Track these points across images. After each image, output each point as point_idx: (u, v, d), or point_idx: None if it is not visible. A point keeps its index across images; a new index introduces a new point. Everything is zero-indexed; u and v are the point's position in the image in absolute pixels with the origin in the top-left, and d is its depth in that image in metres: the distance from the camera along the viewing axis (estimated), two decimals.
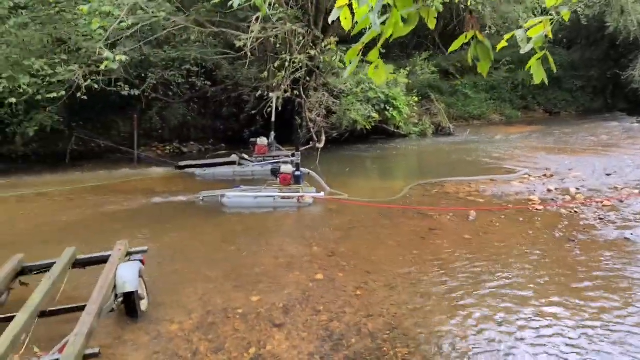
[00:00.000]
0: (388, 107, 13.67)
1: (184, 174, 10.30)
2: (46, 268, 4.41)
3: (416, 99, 15.26)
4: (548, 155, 11.48)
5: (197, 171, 10.16)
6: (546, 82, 2.60)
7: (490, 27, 15.60)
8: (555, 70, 2.69)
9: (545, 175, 9.06)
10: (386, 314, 4.06)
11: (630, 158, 10.58)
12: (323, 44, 10.52)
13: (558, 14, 2.37)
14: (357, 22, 2.14)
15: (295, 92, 11.13)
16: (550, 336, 3.64)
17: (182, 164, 10.69)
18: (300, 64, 10.32)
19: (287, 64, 9.99)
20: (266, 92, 11.33)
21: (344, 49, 11.18)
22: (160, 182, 9.80)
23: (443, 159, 11.98)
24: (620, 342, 3.53)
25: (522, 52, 2.51)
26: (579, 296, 4.25)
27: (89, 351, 3.08)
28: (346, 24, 2.21)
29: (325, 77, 12.81)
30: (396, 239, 5.90)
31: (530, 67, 2.55)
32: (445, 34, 20.99)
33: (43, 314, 3.76)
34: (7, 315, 3.73)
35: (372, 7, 1.99)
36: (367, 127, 13.11)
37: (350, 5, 2.15)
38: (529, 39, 2.31)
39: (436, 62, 18.63)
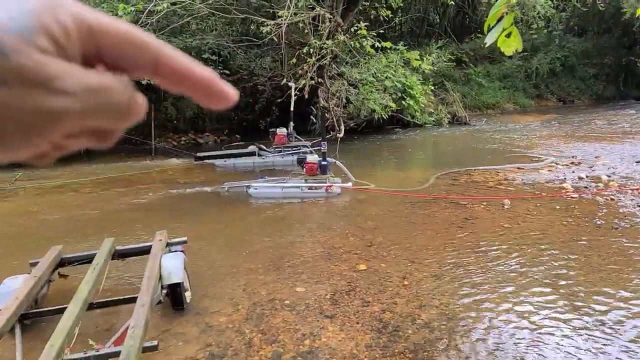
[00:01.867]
0: (405, 96, 13.52)
1: (203, 165, 10.20)
2: (86, 259, 4.33)
3: (432, 87, 15.10)
4: (570, 143, 11.33)
5: (217, 162, 10.05)
6: (519, 48, 2.23)
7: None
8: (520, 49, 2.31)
9: (572, 162, 8.93)
10: (438, 304, 3.96)
11: None
12: (352, 29, 10.35)
13: None
14: None
15: (319, 80, 10.98)
16: (617, 327, 3.53)
17: (201, 154, 10.58)
18: (328, 50, 10.15)
19: (312, 50, 9.83)
20: (288, 80, 11.16)
21: (374, 34, 11.05)
22: (181, 173, 9.70)
23: (463, 148, 11.83)
24: None
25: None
26: (635, 285, 4.14)
27: (147, 344, 2.99)
28: None
29: (340, 66, 12.68)
30: (433, 228, 5.79)
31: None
32: (456, 22, 20.81)
33: (91, 306, 3.67)
34: (56, 307, 3.65)
35: None
36: (385, 117, 12.98)
37: None
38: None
39: (449, 51, 18.40)
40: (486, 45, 2.06)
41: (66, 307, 3.34)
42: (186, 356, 3.37)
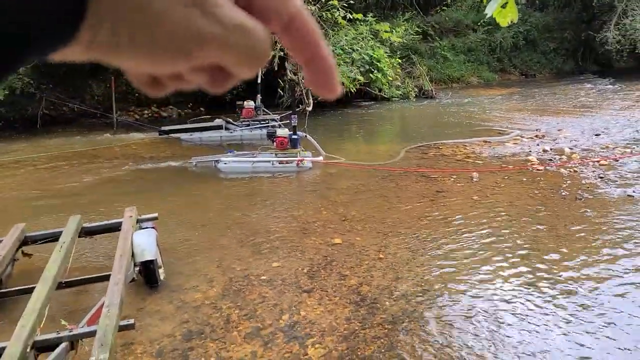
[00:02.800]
0: (372, 69, 13.46)
1: (168, 139, 9.93)
2: (51, 238, 4.17)
3: (399, 61, 15.09)
4: (533, 116, 11.57)
5: (183, 136, 9.80)
6: (515, 18, 2.27)
7: None
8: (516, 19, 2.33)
9: (537, 136, 9.12)
10: (414, 277, 4.00)
11: (613, 118, 10.76)
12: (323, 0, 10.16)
13: None
14: None
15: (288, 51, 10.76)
16: (583, 291, 3.65)
17: (166, 128, 10.29)
18: None
19: None
20: None
21: (346, 5, 10.87)
22: (146, 148, 9.43)
23: (431, 121, 11.92)
24: None
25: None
26: (602, 252, 4.28)
27: (123, 322, 2.91)
28: None
29: None
30: (405, 202, 5.83)
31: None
32: None
33: (60, 286, 3.55)
34: (23, 287, 3.51)
35: None
36: (353, 90, 12.90)
37: None
38: None
39: (416, 24, 18.36)
40: (487, 17, 2.02)
41: (34, 287, 3.22)
42: (163, 334, 3.31)
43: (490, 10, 1.96)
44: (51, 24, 0.24)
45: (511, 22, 1.98)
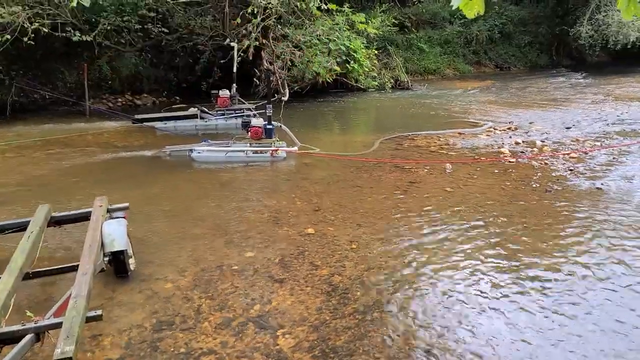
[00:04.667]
0: (349, 60, 13.45)
1: (142, 128, 9.77)
2: (19, 227, 4.08)
3: (375, 52, 15.10)
4: (507, 109, 11.73)
5: (158, 124, 9.65)
6: (482, 10, 2.17)
7: None
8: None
9: (509, 128, 9.26)
10: (386, 267, 4.04)
11: (584, 112, 11.00)
12: None
13: None
14: None
15: (264, 41, 10.68)
16: (560, 281, 3.74)
17: (139, 117, 10.11)
18: (272, 10, 9.82)
19: (256, 10, 9.50)
20: (231, 40, 10.77)
21: None
22: (119, 136, 9.28)
23: (406, 112, 11.98)
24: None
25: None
26: (571, 243, 4.38)
27: (91, 313, 2.87)
28: None
29: (284, 28, 12.39)
30: (379, 192, 5.87)
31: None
32: None
33: (27, 276, 3.48)
34: None
35: None
36: (329, 80, 12.88)
37: None
38: None
39: (393, 15, 18.36)
40: (453, 8, 2.03)
41: None
42: (132, 324, 3.28)
43: (456, 2, 1.96)
44: None
45: (477, 14, 1.99)
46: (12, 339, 2.69)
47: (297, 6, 10.80)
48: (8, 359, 2.53)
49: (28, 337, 2.68)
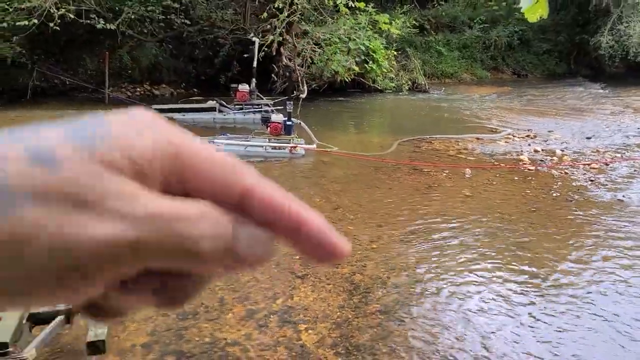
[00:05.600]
0: (368, 60, 13.45)
1: None
2: None
3: (395, 53, 15.08)
4: (524, 116, 11.67)
5: (176, 116, 9.71)
6: (545, 14, 2.16)
7: None
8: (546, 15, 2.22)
9: (528, 136, 9.22)
10: (407, 268, 4.04)
11: (604, 123, 10.91)
12: None
13: None
14: None
15: (286, 37, 10.71)
16: (574, 291, 3.73)
17: (158, 107, 10.17)
18: (299, 6, 9.83)
19: (282, 5, 9.52)
20: (254, 35, 10.80)
21: None
22: None
23: (424, 115, 11.97)
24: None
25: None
26: (594, 253, 4.37)
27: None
28: None
29: (304, 25, 12.42)
30: (398, 193, 5.87)
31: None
32: None
33: None
34: None
35: None
36: (347, 80, 12.89)
37: None
38: None
39: (413, 17, 18.34)
40: (522, 10, 2.02)
41: None
42: (156, 312, 3.31)
43: (525, 4, 1.94)
44: None
45: (540, 17, 1.98)
46: (43, 319, 2.73)
47: (324, 3, 10.79)
48: (39, 340, 2.57)
49: (59, 318, 2.72)
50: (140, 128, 0.23)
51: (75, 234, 0.20)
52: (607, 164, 7.29)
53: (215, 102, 10.10)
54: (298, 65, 11.80)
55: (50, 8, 8.21)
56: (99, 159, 0.21)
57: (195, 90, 13.57)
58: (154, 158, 0.22)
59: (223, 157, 0.24)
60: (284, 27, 10.39)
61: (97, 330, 2.44)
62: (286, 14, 9.89)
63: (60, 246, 0.20)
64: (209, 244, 0.22)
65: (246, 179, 0.24)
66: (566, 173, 6.84)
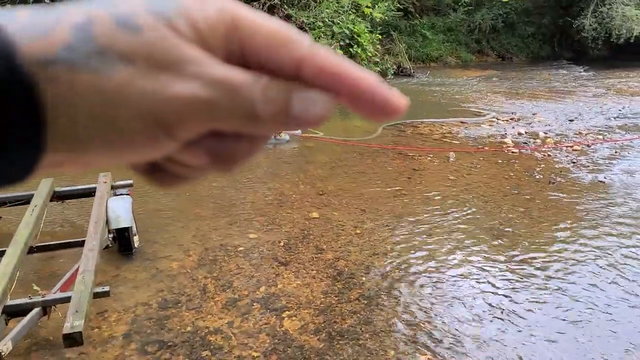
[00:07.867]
0: (352, 44, 13.34)
1: None
2: (22, 200, 4.04)
3: (379, 37, 14.98)
4: (509, 99, 11.69)
5: None
6: None
7: None
8: None
9: (512, 119, 9.23)
10: (391, 253, 4.04)
11: (586, 105, 10.97)
12: None
13: None
14: None
15: None
16: (562, 271, 3.76)
17: None
18: None
19: None
20: None
21: None
22: None
23: (409, 99, 11.88)
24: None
25: None
26: (575, 234, 4.40)
27: (98, 289, 2.85)
28: None
29: (288, 9, 12.25)
30: (383, 178, 5.85)
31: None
32: None
33: (31, 250, 3.45)
34: None
35: None
36: None
37: None
38: None
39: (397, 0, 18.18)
40: None
41: (4, 250, 3.13)
42: (137, 302, 3.27)
43: None
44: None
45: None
46: (19, 312, 2.68)
47: None
48: (16, 332, 2.52)
49: (35, 310, 2.67)
50: (205, 0, 0.25)
51: (161, 92, 0.23)
52: (588, 146, 7.33)
53: None
54: None
55: None
56: (174, 27, 0.23)
57: None
58: (217, 29, 0.24)
59: (279, 29, 0.25)
60: (265, 11, 10.22)
61: (74, 322, 2.40)
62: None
63: (147, 102, 0.23)
64: (266, 107, 0.25)
65: (301, 47, 0.26)
66: (549, 155, 6.87)
